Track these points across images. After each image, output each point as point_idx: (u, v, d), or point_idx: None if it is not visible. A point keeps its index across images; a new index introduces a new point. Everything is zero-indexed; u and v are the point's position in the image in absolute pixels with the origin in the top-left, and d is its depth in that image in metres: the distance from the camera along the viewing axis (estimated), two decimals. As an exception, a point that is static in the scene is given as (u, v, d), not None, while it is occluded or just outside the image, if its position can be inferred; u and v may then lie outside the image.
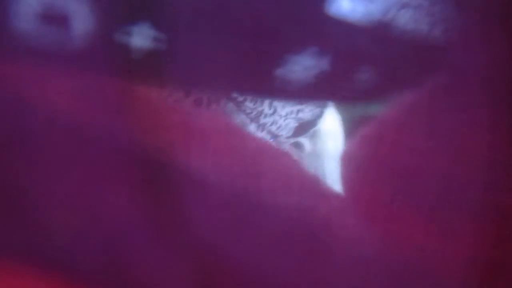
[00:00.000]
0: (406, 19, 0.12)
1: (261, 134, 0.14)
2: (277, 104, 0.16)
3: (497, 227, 0.13)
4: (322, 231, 0.13)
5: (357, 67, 0.12)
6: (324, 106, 0.14)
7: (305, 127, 0.15)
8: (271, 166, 0.13)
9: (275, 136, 0.15)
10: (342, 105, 0.14)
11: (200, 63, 0.12)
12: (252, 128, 0.15)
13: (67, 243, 0.13)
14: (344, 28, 0.12)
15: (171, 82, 0.12)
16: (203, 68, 0.12)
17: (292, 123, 0.15)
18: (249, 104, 0.15)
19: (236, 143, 0.13)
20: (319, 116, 0.14)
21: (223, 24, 0.12)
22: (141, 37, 0.11)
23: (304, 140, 0.15)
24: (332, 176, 0.14)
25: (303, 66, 0.12)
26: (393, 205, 0.13)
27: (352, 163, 0.14)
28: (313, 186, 0.14)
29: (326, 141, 0.15)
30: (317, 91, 0.13)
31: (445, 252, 0.13)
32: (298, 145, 0.15)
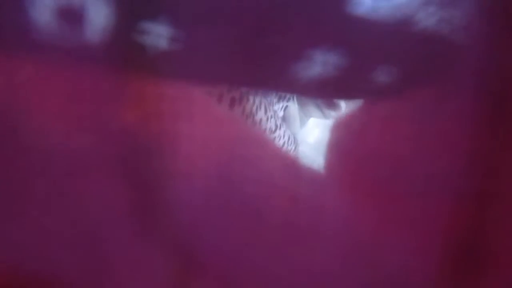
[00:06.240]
0: (428, 18, 0.12)
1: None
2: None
3: (477, 213, 0.13)
4: (306, 218, 0.13)
5: (375, 65, 0.12)
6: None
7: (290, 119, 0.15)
8: (256, 153, 0.13)
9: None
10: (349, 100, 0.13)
11: (215, 58, 0.12)
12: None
13: (50, 236, 0.13)
14: (364, 26, 0.12)
15: (184, 78, 0.12)
16: (218, 64, 0.12)
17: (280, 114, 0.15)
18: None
19: (223, 131, 0.13)
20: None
21: (239, 20, 0.11)
22: (156, 35, 0.11)
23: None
24: (317, 162, 0.14)
25: (320, 62, 0.12)
26: (376, 192, 0.14)
27: (339, 150, 0.15)
28: (297, 172, 0.14)
29: (314, 130, 0.15)
30: (333, 88, 0.13)
31: (423, 239, 0.13)
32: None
